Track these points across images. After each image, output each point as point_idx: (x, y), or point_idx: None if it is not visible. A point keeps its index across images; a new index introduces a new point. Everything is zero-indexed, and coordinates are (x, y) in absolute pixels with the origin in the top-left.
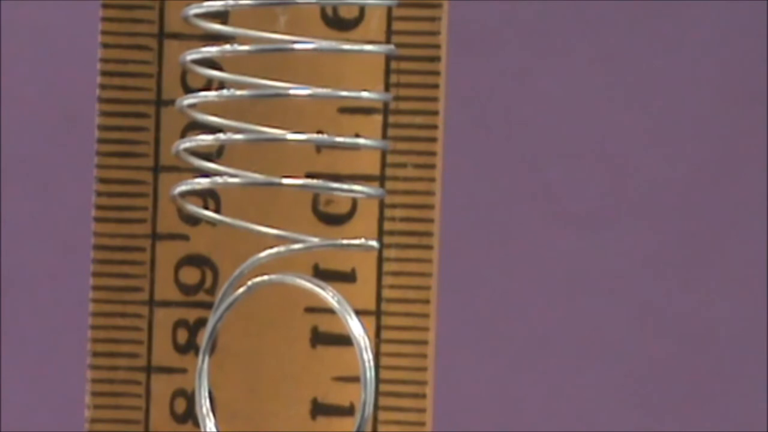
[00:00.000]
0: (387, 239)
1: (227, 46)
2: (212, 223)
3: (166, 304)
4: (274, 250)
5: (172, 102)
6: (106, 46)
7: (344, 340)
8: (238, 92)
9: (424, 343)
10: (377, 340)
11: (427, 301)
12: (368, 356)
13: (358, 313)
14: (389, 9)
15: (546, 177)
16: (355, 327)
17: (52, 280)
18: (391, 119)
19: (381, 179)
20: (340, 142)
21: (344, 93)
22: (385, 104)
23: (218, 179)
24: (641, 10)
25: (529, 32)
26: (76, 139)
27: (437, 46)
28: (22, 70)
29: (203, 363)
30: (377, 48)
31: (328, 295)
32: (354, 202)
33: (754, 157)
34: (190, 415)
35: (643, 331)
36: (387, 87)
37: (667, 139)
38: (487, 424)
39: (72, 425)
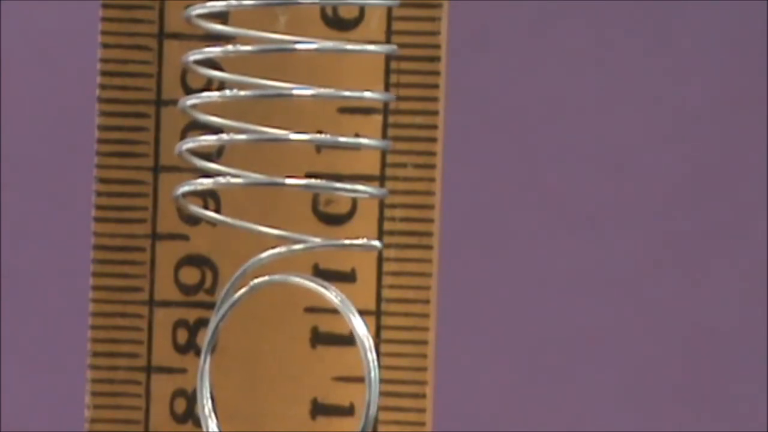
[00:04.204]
0: (387, 239)
1: (229, 47)
2: (212, 223)
3: (166, 304)
4: (276, 250)
5: (172, 102)
6: (106, 46)
7: (344, 340)
8: (242, 92)
9: (424, 343)
10: (377, 340)
11: (427, 301)
12: (372, 356)
13: (359, 313)
14: (389, 9)
15: (546, 177)
16: (359, 327)
17: (52, 280)
18: (391, 119)
19: (381, 179)
20: (341, 142)
21: (347, 93)
22: (385, 104)
23: (221, 179)
24: (641, 10)
25: (529, 32)
26: (76, 139)
27: (437, 46)
28: (22, 70)
29: (205, 363)
30: (378, 48)
31: (332, 295)
32: (354, 202)
33: (754, 157)
34: (190, 415)
35: (643, 331)
36: (387, 87)
37: (667, 139)
38: (487, 424)
39: (72, 425)
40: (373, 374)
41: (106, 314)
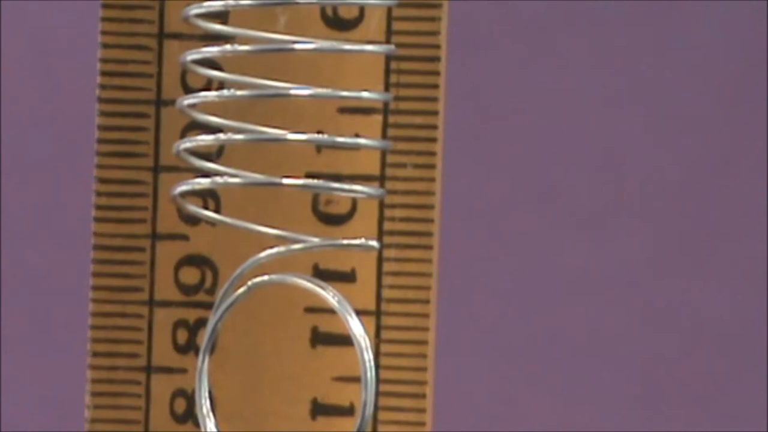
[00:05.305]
0: (387, 239)
1: (228, 46)
2: (212, 223)
3: (166, 304)
4: (275, 250)
5: (172, 102)
6: (106, 46)
7: (344, 340)
8: (240, 92)
9: (424, 343)
10: (377, 340)
11: (427, 301)
12: (369, 356)
13: (358, 313)
14: (389, 9)
15: (546, 177)
16: (356, 327)
17: (52, 280)
18: (391, 119)
19: (381, 179)
20: (341, 142)
21: (345, 93)
22: (385, 104)
23: (219, 179)
24: (641, 9)
25: (529, 32)
26: (76, 139)
27: (437, 46)
28: (22, 70)
29: (203, 363)
30: (377, 48)
31: (329, 295)
32: (354, 202)
33: (754, 156)
34: (190, 415)
35: (643, 330)
36: (387, 87)
37: (666, 139)
38: (487, 424)
39: (72, 425)
40: (369, 374)
41: (106, 314)
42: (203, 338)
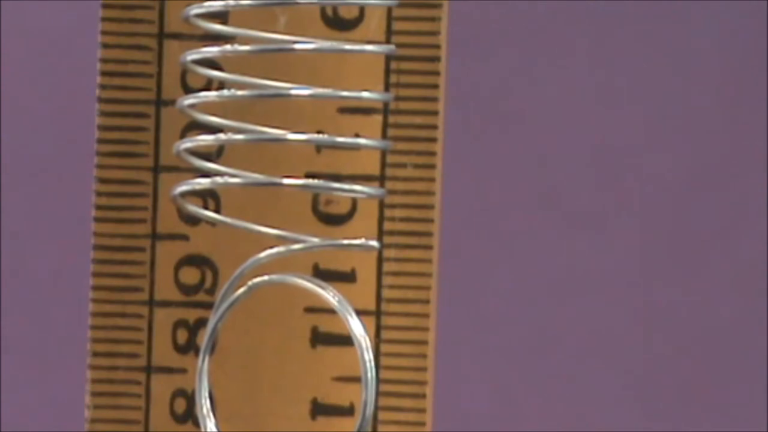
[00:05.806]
0: (387, 239)
1: (228, 47)
2: (212, 223)
3: (166, 304)
4: (275, 250)
5: (172, 102)
6: (106, 46)
7: (344, 340)
8: (240, 92)
9: (424, 343)
10: (377, 340)
11: (427, 301)
12: (369, 356)
13: (358, 313)
14: (389, 9)
15: (546, 177)
16: (356, 327)
17: (52, 280)
18: (391, 119)
19: (381, 179)
20: (341, 142)
21: (345, 93)
22: (385, 104)
23: (219, 179)
24: (641, 10)
25: (529, 32)
26: (76, 139)
27: (437, 46)
28: (22, 70)
29: (203, 363)
30: (378, 48)
31: (329, 295)
32: (354, 202)
33: (754, 157)
34: (190, 415)
35: (642, 331)
36: (387, 87)
37: (666, 139)
38: (487, 424)
39: (72, 425)
40: (369, 374)
41: (106, 314)
42: (203, 338)
